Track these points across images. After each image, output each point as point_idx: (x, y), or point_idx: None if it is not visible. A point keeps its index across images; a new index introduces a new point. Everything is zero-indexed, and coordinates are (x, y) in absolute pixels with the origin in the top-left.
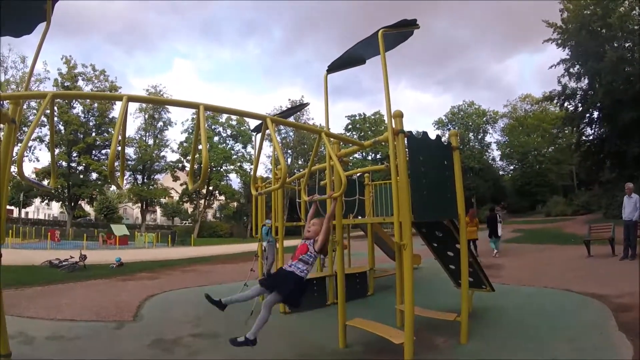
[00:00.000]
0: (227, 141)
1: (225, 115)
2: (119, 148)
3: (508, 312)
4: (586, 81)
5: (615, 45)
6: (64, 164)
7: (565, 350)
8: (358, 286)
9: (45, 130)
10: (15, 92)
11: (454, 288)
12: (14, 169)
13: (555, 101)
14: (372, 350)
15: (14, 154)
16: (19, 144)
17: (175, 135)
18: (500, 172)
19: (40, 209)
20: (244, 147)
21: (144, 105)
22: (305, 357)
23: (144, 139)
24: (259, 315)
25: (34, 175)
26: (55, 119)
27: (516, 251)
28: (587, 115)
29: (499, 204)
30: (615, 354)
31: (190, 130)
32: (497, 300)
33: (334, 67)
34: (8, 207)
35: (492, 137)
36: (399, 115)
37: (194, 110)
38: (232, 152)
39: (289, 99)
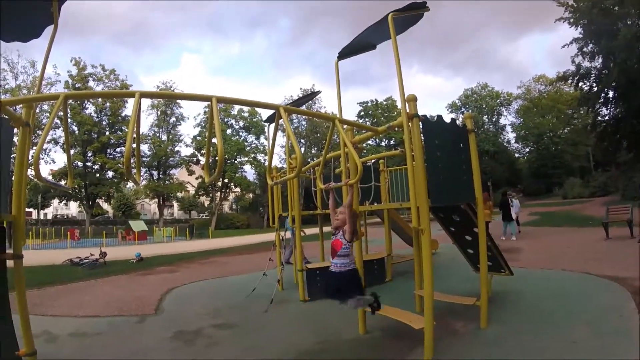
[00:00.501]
0: (240, 133)
1: (237, 108)
2: (134, 145)
3: (527, 296)
4: (600, 60)
5: (629, 22)
6: (79, 163)
7: (584, 333)
8: (376, 272)
9: (60, 132)
10: (27, 96)
11: (471, 273)
12: (30, 171)
13: (569, 81)
14: (392, 336)
15: (30, 157)
16: (34, 147)
17: (188, 130)
18: (516, 155)
19: (58, 209)
20: (257, 139)
21: (155, 102)
22: (325, 344)
23: (158, 135)
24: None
25: (50, 177)
26: (69, 119)
27: (534, 234)
28: (603, 95)
29: (514, 187)
30: (634, 337)
31: (203, 124)
32: (515, 284)
33: (344, 54)
34: (27, 209)
35: (507, 119)
36: (413, 99)
37: (206, 104)
38: (246, 143)
39: (301, 88)
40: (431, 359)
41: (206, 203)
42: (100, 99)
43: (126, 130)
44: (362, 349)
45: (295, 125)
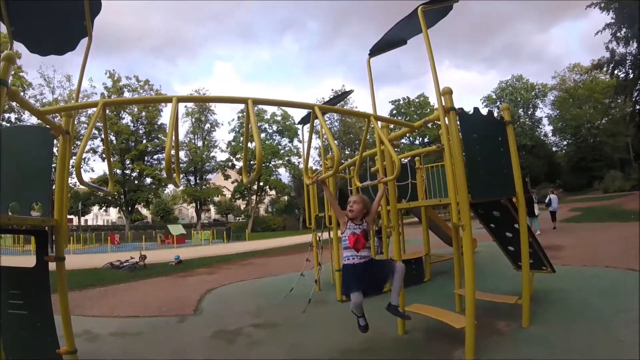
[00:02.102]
0: (274, 137)
1: (270, 112)
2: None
3: (569, 294)
4: (635, 45)
5: None
6: (118, 171)
7: (630, 332)
8: (414, 272)
9: (97, 142)
10: (67, 105)
11: (511, 271)
12: (71, 179)
13: (604, 69)
14: (432, 336)
15: (70, 165)
16: (73, 157)
17: (223, 136)
18: (554, 148)
19: (98, 216)
20: (291, 141)
21: (190, 109)
22: (366, 344)
23: (193, 141)
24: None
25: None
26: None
27: (575, 230)
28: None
29: (553, 182)
30: None
31: (237, 130)
32: (557, 281)
33: (375, 50)
34: (68, 216)
35: (543, 111)
36: (449, 92)
37: (239, 110)
38: (280, 147)
39: (332, 89)
40: (473, 359)
41: (242, 206)
42: (136, 109)
43: (162, 138)
44: (404, 349)
45: (328, 126)
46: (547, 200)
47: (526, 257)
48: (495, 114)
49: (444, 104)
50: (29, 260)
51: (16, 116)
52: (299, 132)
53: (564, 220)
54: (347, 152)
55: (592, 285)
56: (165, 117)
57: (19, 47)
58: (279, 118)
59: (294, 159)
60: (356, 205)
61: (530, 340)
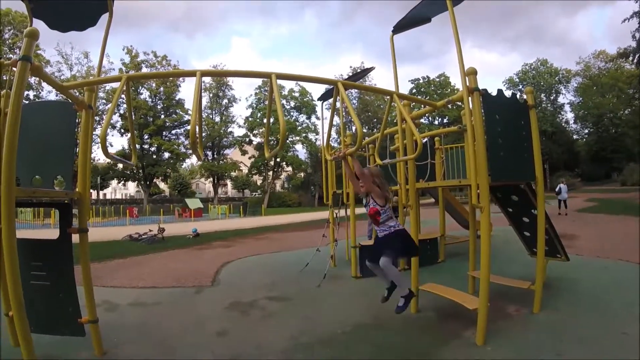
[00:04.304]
0: (292, 113)
1: (287, 88)
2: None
3: (581, 284)
4: None
5: None
6: (137, 146)
7: (635, 326)
8: (429, 252)
9: (116, 117)
10: (90, 79)
11: (525, 257)
12: (93, 153)
13: (630, 58)
14: (444, 316)
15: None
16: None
17: (240, 111)
18: (574, 137)
19: (117, 190)
20: (308, 118)
21: (207, 84)
22: (378, 320)
23: (211, 116)
24: (390, 276)
25: (108, 160)
26: (124, 105)
27: (591, 221)
28: None
29: (572, 171)
30: None
31: (255, 106)
32: (570, 270)
33: (399, 28)
34: None
35: (565, 97)
36: (473, 73)
37: (256, 86)
38: (297, 123)
39: (351, 66)
40: (482, 343)
41: (259, 182)
42: (154, 84)
43: (180, 113)
44: (416, 327)
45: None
46: (557, 189)
47: (542, 243)
48: (518, 97)
49: (468, 84)
50: (49, 234)
51: (35, 93)
52: (317, 108)
53: (580, 210)
54: (364, 130)
55: (604, 276)
56: (183, 93)
57: (36, 24)
58: (296, 94)
59: (311, 136)
60: (363, 183)
61: (538, 327)
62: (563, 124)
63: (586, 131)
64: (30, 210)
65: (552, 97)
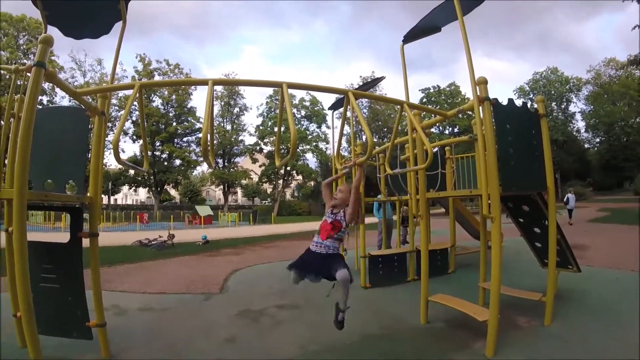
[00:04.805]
0: (302, 122)
1: (298, 97)
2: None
3: (592, 295)
4: None
5: None
6: (148, 152)
7: None
8: (439, 263)
9: (128, 124)
10: (104, 86)
11: (536, 268)
12: (106, 159)
13: None
14: (454, 327)
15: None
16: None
17: (251, 120)
18: (586, 145)
19: (128, 195)
20: (319, 127)
21: (219, 93)
22: (387, 330)
23: (222, 125)
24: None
25: (120, 166)
26: (137, 112)
27: (602, 231)
28: None
29: (583, 180)
30: None
31: (265, 114)
32: (581, 281)
33: (409, 37)
34: None
35: (576, 106)
36: (484, 82)
37: (268, 94)
38: (307, 132)
39: (360, 76)
40: (492, 355)
41: (269, 190)
42: (166, 92)
43: (192, 120)
44: (425, 338)
45: (356, 113)
46: (565, 199)
47: (553, 255)
48: (529, 106)
49: (478, 93)
50: (60, 237)
51: (48, 99)
52: (328, 117)
53: (592, 220)
54: (375, 140)
55: (615, 287)
56: (195, 101)
57: (50, 31)
58: (307, 103)
59: (322, 145)
60: (340, 194)
61: (549, 339)
62: (574, 133)
63: (597, 140)
64: (41, 213)
65: (563, 106)
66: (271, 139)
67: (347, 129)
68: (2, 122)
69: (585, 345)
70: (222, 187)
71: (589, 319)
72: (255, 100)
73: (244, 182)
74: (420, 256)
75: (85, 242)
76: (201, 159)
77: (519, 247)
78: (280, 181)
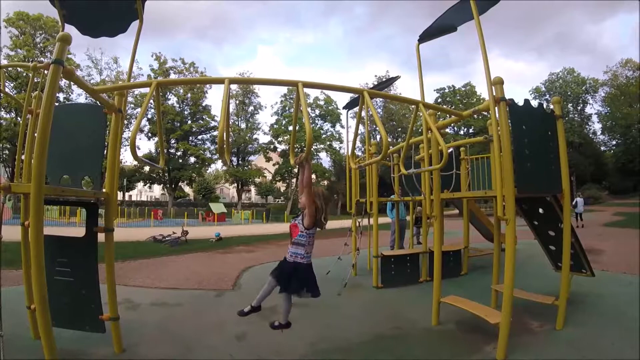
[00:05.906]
0: (316, 121)
1: (313, 96)
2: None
3: (606, 300)
4: None
5: None
6: (164, 150)
7: None
8: (452, 264)
9: (143, 122)
10: (121, 84)
11: (549, 271)
12: (122, 155)
13: None
14: (465, 329)
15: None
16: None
17: (265, 118)
18: (602, 148)
19: (142, 192)
20: (333, 126)
21: (233, 92)
22: (399, 331)
23: (237, 123)
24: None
25: (135, 163)
26: (152, 110)
27: (617, 236)
28: None
29: (599, 183)
30: None
31: (280, 113)
32: (595, 286)
33: (425, 37)
34: None
35: (593, 107)
36: (500, 82)
37: (282, 93)
38: (321, 131)
39: (376, 75)
40: (503, 358)
41: (282, 188)
42: (182, 90)
43: (207, 119)
44: (436, 339)
45: (371, 112)
46: (573, 203)
47: (567, 258)
48: (545, 107)
49: (494, 94)
50: (75, 232)
51: (65, 96)
52: (342, 117)
53: (607, 225)
54: (389, 139)
55: (629, 292)
56: (210, 99)
57: (67, 29)
58: (321, 102)
59: (335, 144)
60: (302, 197)
61: (561, 343)
62: (590, 135)
63: (614, 142)
64: (56, 208)
65: (579, 107)
66: (285, 137)
67: (361, 128)
68: (20, 118)
69: (597, 351)
70: (235, 185)
71: (602, 324)
72: (269, 99)
73: (257, 180)
74: (433, 257)
75: (100, 237)
76: (216, 156)
77: (533, 250)
78: (294, 180)
